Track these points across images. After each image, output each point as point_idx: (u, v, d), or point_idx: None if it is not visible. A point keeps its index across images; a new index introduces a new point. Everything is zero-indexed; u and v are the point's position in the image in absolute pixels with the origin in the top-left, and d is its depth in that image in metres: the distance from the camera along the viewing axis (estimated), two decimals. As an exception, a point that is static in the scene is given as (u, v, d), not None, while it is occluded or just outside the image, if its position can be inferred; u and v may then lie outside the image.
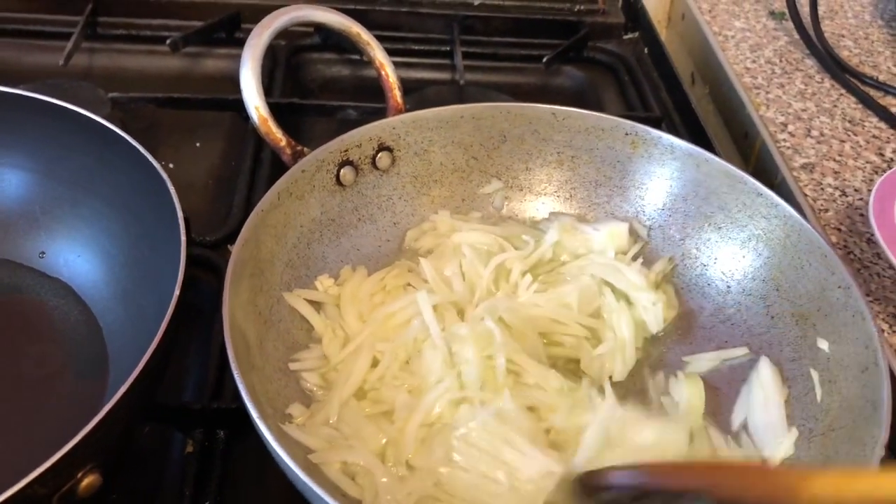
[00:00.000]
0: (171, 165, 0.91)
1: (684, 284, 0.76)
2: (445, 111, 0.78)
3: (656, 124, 0.99)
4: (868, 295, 0.79)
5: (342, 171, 0.73)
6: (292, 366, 0.64)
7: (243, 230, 0.62)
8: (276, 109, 0.72)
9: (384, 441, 0.60)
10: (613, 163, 0.79)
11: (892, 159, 0.96)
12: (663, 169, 0.78)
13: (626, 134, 0.78)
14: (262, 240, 0.65)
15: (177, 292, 0.55)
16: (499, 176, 0.81)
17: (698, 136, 0.97)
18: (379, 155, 0.75)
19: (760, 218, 0.73)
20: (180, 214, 0.61)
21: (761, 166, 0.97)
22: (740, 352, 0.70)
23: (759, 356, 0.68)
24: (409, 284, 0.72)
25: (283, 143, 0.70)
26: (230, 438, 0.65)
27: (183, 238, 0.59)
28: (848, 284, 0.64)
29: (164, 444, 0.65)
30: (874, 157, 0.96)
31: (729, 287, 0.74)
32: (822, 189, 0.91)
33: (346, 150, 0.72)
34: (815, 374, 0.64)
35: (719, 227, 0.75)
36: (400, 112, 0.77)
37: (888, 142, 0.98)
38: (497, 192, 0.81)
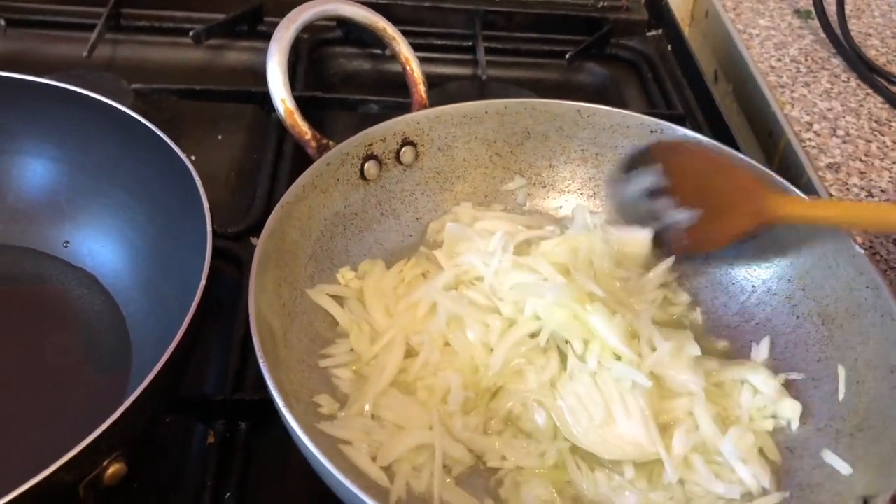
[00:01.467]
0: (192, 157, 0.90)
1: (708, 283, 0.75)
2: (469, 106, 0.77)
3: (680, 122, 0.98)
4: (893, 296, 0.78)
5: (366, 164, 0.72)
6: (322, 363, 0.64)
7: (269, 221, 0.62)
8: (298, 103, 0.72)
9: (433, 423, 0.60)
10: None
11: (919, 160, 0.95)
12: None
13: (652, 132, 0.78)
14: (286, 232, 0.65)
15: (203, 283, 0.55)
16: (522, 172, 0.81)
17: (722, 133, 0.96)
18: (403, 149, 0.75)
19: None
20: (206, 205, 0.61)
21: (786, 165, 0.96)
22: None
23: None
24: (427, 272, 0.72)
25: (309, 136, 0.69)
26: (252, 430, 0.65)
27: (209, 229, 0.59)
28: (877, 285, 0.64)
29: (186, 435, 0.65)
30: (901, 158, 0.95)
31: (754, 287, 0.73)
32: (848, 189, 0.90)
33: (370, 144, 0.72)
34: (842, 374, 0.64)
35: (745, 227, 0.74)
36: (424, 107, 0.77)
37: (915, 142, 0.97)
38: (520, 188, 0.81)
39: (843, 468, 0.58)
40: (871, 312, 0.64)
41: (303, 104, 0.73)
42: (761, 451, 0.62)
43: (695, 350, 0.65)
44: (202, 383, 0.69)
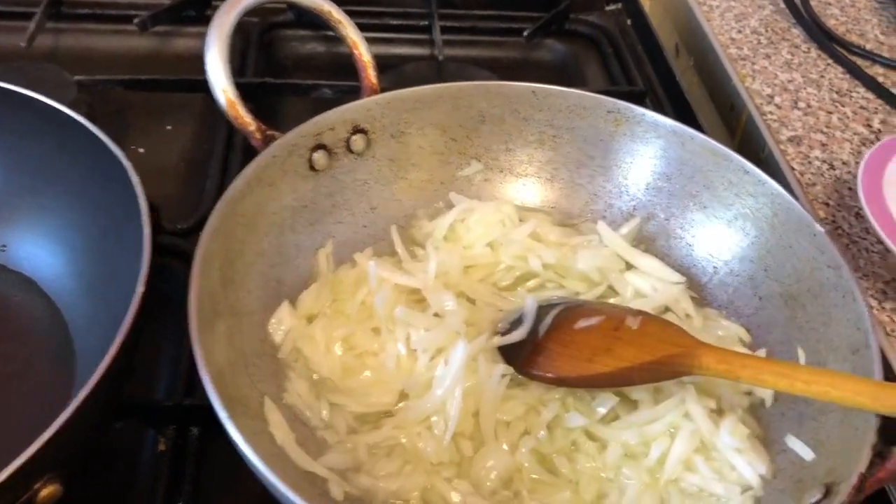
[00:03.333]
0: (141, 150, 0.88)
1: (669, 266, 0.74)
2: (422, 91, 0.75)
3: (640, 99, 0.97)
4: (857, 271, 0.77)
5: (315, 155, 0.70)
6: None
7: (210, 220, 0.60)
8: (248, 90, 0.70)
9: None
10: (596, 142, 0.77)
11: (879, 130, 0.94)
12: (647, 147, 0.75)
13: (609, 112, 0.76)
14: (231, 230, 0.62)
15: (140, 289, 0.52)
16: (478, 157, 0.78)
17: (683, 110, 0.94)
18: (353, 138, 0.72)
19: (747, 196, 0.70)
20: (143, 206, 0.58)
21: (748, 139, 0.95)
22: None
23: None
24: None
25: (253, 127, 0.67)
26: (204, 436, 0.63)
27: (146, 231, 0.56)
28: (838, 264, 0.63)
29: (136, 442, 0.63)
30: (862, 129, 0.94)
31: (716, 268, 0.72)
32: (810, 162, 0.89)
33: (318, 134, 0.70)
34: (802, 356, 0.63)
35: (705, 207, 0.73)
36: (375, 92, 0.74)
37: (876, 112, 0.96)
38: (477, 173, 0.78)
39: (807, 453, 0.57)
40: (833, 292, 0.62)
41: (253, 91, 0.70)
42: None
43: None
44: (153, 387, 0.67)
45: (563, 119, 0.77)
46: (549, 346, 0.63)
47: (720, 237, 0.72)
